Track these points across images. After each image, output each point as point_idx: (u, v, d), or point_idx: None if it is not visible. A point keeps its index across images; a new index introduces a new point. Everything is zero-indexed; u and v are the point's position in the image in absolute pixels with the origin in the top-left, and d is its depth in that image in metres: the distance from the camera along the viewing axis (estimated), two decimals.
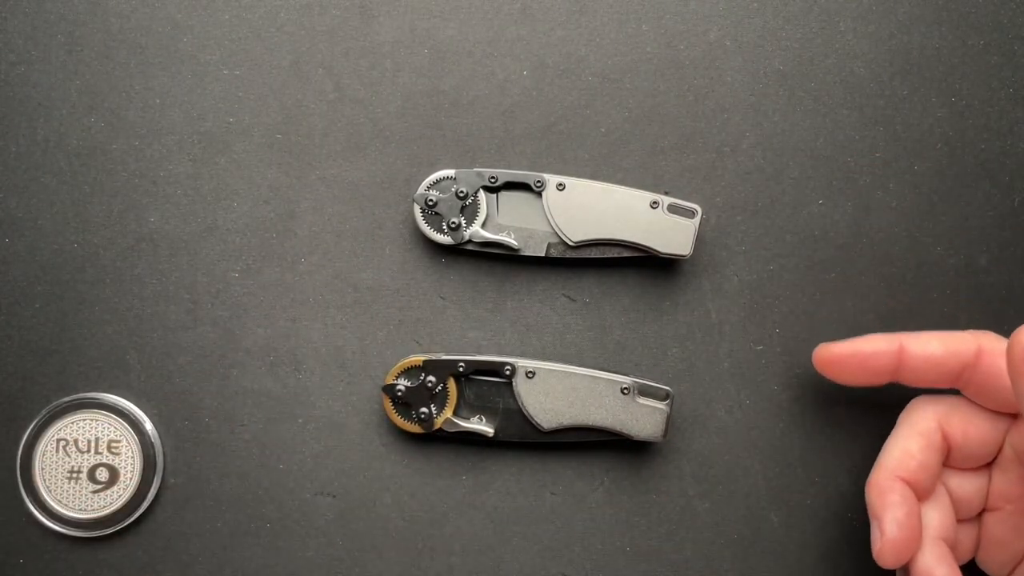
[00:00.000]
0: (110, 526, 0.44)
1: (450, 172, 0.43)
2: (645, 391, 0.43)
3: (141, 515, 0.44)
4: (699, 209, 0.43)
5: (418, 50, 0.45)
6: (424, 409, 0.43)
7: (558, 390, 0.42)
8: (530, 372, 0.42)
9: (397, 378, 0.43)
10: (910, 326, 0.45)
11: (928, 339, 0.40)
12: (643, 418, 0.42)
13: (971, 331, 0.40)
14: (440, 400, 0.43)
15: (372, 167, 0.45)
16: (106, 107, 0.45)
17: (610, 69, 0.45)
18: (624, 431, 0.42)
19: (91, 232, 0.45)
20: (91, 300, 0.45)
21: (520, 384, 0.42)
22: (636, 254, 0.43)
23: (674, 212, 0.43)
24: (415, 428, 0.43)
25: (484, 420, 0.43)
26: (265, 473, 0.45)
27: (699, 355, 0.45)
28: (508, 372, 0.42)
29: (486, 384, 0.43)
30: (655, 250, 0.43)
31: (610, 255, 0.44)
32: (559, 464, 0.45)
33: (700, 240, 0.44)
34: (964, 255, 0.46)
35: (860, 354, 0.40)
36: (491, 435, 0.43)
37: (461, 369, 0.43)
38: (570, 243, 0.43)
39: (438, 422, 0.43)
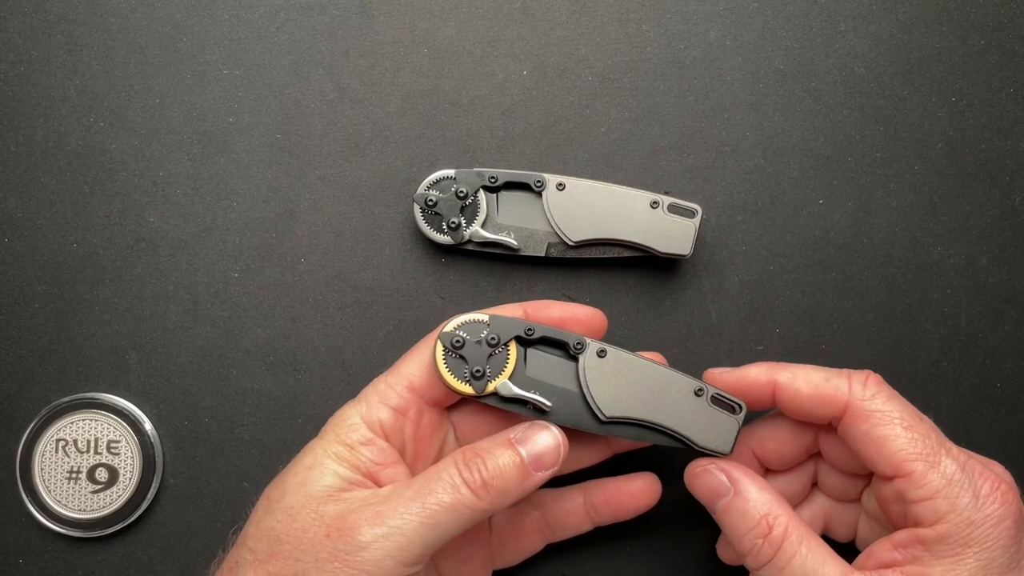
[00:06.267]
0: (110, 526, 0.44)
1: (450, 172, 0.43)
2: (716, 399, 0.40)
3: (141, 515, 0.44)
4: (699, 209, 0.43)
5: (418, 50, 0.45)
6: (478, 367, 0.38)
7: (628, 378, 0.39)
8: (601, 352, 0.39)
9: (457, 330, 0.39)
10: (910, 326, 0.45)
11: (805, 375, 0.38)
12: (713, 428, 0.39)
13: (858, 378, 0.38)
14: (497, 363, 0.39)
15: (372, 167, 0.45)
16: (106, 107, 0.45)
17: (610, 69, 0.45)
18: (691, 438, 0.39)
19: (91, 232, 0.45)
20: (91, 300, 0.45)
21: (588, 361, 0.39)
22: (636, 254, 0.43)
23: (674, 212, 0.43)
24: (464, 388, 0.38)
25: (539, 395, 0.39)
26: (265, 473, 0.45)
27: (699, 355, 0.45)
28: (578, 347, 0.39)
29: (547, 358, 0.40)
30: (655, 250, 0.43)
31: (610, 255, 0.44)
32: None
33: (700, 240, 0.44)
34: (964, 255, 0.46)
35: (743, 381, 0.39)
36: (548, 408, 0.39)
37: (529, 335, 0.39)
38: (570, 243, 0.43)
39: (492, 385, 0.38)
